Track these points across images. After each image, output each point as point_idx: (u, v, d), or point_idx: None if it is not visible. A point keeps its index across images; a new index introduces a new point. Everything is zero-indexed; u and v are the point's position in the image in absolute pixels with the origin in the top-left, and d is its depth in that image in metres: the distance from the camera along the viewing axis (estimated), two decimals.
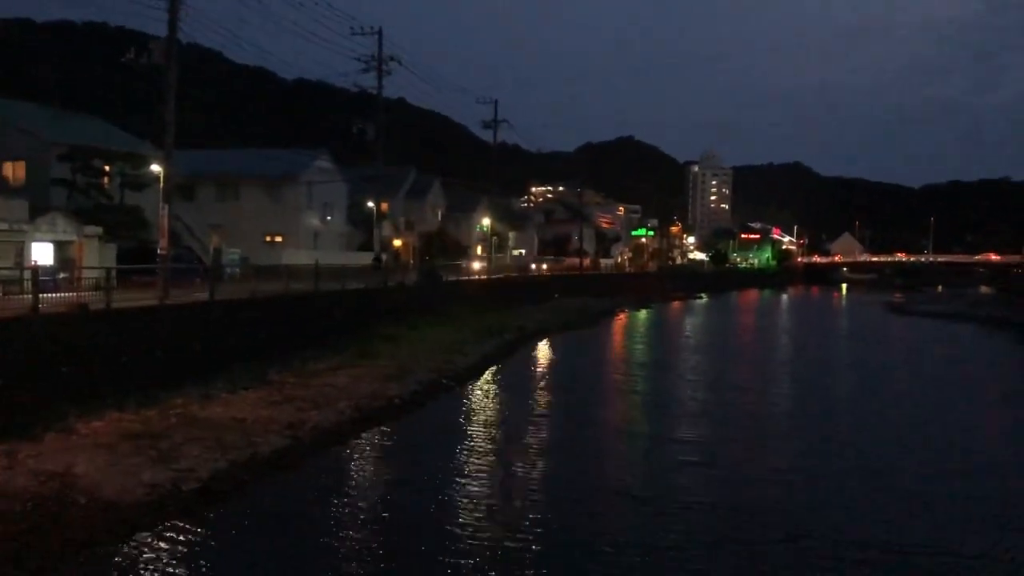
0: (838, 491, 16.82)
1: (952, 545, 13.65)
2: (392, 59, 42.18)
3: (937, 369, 38.12)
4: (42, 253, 31.59)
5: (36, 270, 20.72)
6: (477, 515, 14.73)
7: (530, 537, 13.61)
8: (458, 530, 13.89)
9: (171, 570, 12.01)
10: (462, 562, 12.60)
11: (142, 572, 11.89)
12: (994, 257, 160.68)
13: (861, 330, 62.12)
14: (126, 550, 12.47)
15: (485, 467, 18.13)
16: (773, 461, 19.29)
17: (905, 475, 18.23)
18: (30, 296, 19.53)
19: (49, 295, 20.80)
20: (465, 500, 15.59)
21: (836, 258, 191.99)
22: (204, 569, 12.16)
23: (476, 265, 62.48)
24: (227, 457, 16.42)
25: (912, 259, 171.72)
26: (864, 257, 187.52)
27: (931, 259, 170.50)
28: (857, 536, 13.96)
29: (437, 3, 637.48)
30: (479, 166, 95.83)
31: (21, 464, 14.56)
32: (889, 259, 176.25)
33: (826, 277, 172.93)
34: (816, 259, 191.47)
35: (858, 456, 19.95)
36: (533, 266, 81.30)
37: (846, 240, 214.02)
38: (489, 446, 20.15)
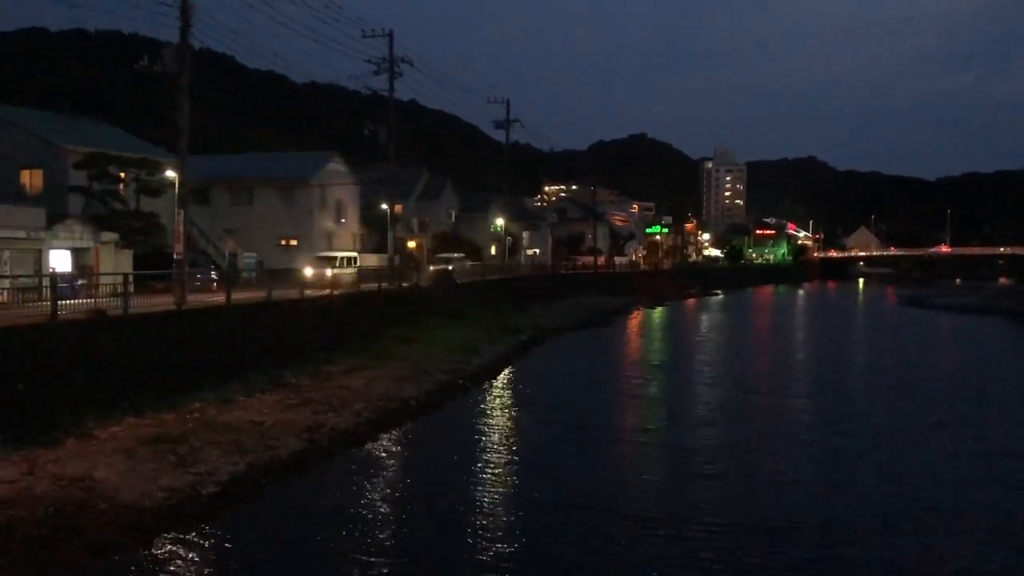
0: (864, 504, 15.85)
1: (990, 567, 12.89)
2: (403, 61, 42.26)
3: (962, 367, 36.94)
4: (60, 260, 31.84)
5: (54, 277, 20.90)
6: (490, 524, 14.49)
7: (541, 554, 13.15)
8: (472, 537, 13.79)
9: (191, 574, 12.08)
10: (474, 567, 12.61)
11: None
12: (945, 249, 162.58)
13: (879, 326, 61.78)
14: (146, 554, 12.56)
15: (500, 473, 17.94)
16: (795, 472, 18.38)
17: (935, 485, 17.32)
18: (49, 303, 19.72)
19: (67, 301, 20.98)
20: (479, 507, 15.44)
21: (852, 252, 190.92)
22: (224, 573, 12.22)
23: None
24: (245, 460, 16.51)
25: (920, 252, 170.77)
26: (880, 251, 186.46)
27: (948, 251, 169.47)
28: (886, 558, 13.04)
29: (446, 4, 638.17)
30: (492, 166, 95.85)
31: (42, 470, 14.68)
32: (906, 252, 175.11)
33: (843, 271, 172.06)
34: (832, 254, 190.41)
35: (883, 464, 19.02)
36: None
37: (862, 234, 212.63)
38: (504, 451, 20.02)
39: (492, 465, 18.51)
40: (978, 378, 33.31)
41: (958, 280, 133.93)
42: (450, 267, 52.76)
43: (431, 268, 52.50)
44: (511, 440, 21.10)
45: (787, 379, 33.02)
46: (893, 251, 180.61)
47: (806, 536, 14.03)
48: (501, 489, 16.64)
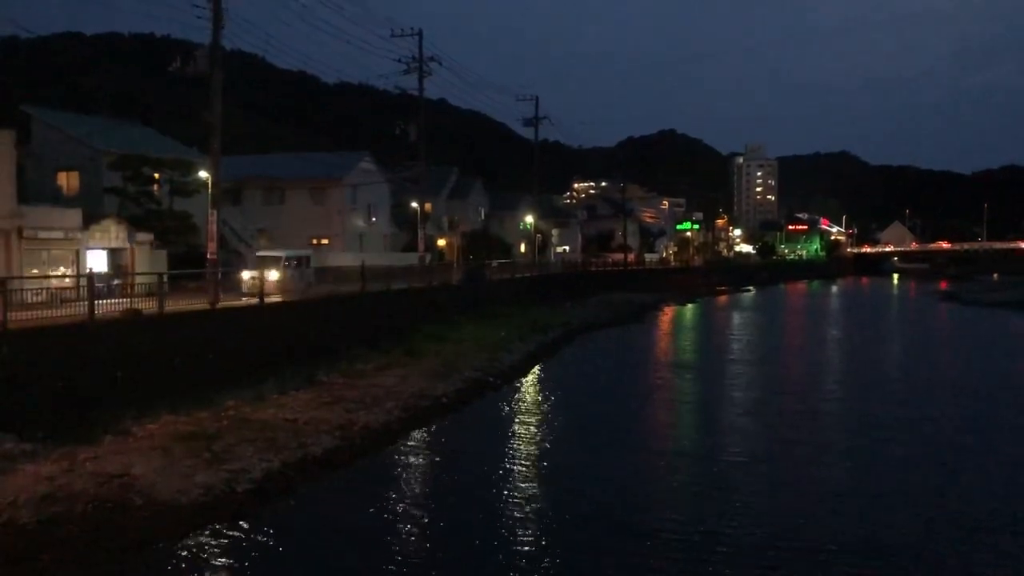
0: (905, 521, 14.76)
1: None
2: (432, 60, 42.39)
3: (1006, 366, 35.37)
4: (96, 260, 32.32)
5: (91, 277, 21.19)
6: (513, 533, 14.09)
7: (562, 566, 12.72)
8: (494, 545, 13.67)
9: (226, 570, 12.22)
10: (506, 565, 12.62)
11: (198, 572, 12.10)
12: (945, 245, 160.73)
13: (916, 322, 60.81)
14: (183, 550, 12.72)
15: (527, 477, 17.67)
16: (831, 484, 17.17)
17: (985, 500, 16.00)
18: (86, 303, 20.03)
19: (104, 301, 21.29)
20: (504, 513, 15.15)
21: (886, 247, 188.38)
22: (258, 569, 12.33)
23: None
24: (279, 458, 16.65)
25: (957, 247, 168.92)
26: (916, 246, 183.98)
27: (985, 246, 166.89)
28: None
29: (475, 2, 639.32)
30: (521, 164, 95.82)
31: (81, 466, 14.91)
32: (942, 247, 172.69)
33: (877, 267, 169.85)
34: (866, 249, 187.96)
35: (925, 475, 17.79)
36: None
37: (896, 229, 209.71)
38: (532, 453, 19.76)
39: (519, 468, 18.31)
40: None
41: (995, 275, 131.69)
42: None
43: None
44: (539, 442, 20.91)
45: (823, 380, 32.04)
46: (915, 246, 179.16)
47: (842, 559, 12.98)
48: (527, 495, 16.25)
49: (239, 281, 28.63)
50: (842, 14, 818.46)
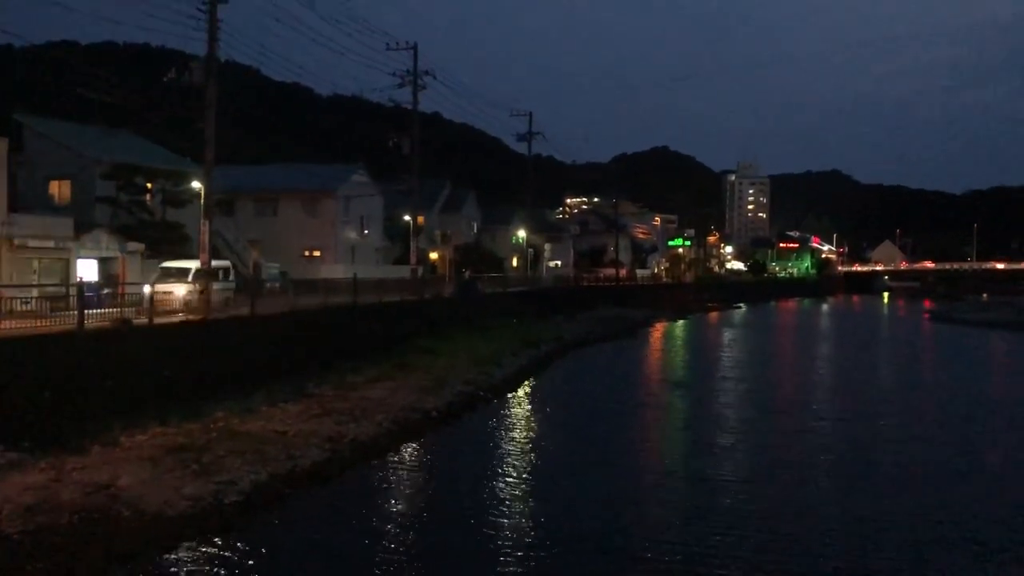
0: (897, 547, 14.24)
1: None
2: (427, 74, 42.49)
3: (1004, 387, 35.05)
4: (87, 269, 32.24)
5: (81, 286, 21.14)
6: (500, 551, 13.80)
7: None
8: (489, 552, 13.66)
9: None
10: None
11: None
12: (930, 265, 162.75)
13: (907, 341, 60.92)
14: (169, 563, 12.63)
15: (514, 494, 17.36)
16: (823, 507, 16.77)
17: (981, 524, 15.52)
18: (76, 312, 19.97)
19: (94, 311, 21.23)
20: (491, 530, 14.91)
21: (877, 266, 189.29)
22: None
23: None
24: (268, 470, 16.56)
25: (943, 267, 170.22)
26: (906, 265, 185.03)
27: (975, 266, 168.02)
28: None
29: (469, 17, 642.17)
30: (514, 178, 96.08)
31: (68, 477, 14.82)
32: (932, 266, 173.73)
33: (867, 286, 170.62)
34: (857, 268, 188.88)
35: (919, 499, 17.30)
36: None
37: (887, 248, 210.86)
38: (520, 470, 19.48)
39: (507, 485, 18.06)
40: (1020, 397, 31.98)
41: (985, 295, 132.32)
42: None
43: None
44: (528, 459, 20.71)
45: (813, 399, 31.57)
46: (904, 265, 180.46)
47: None
48: (515, 514, 15.99)
49: (140, 298, 24.81)
50: (835, 34, 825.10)
